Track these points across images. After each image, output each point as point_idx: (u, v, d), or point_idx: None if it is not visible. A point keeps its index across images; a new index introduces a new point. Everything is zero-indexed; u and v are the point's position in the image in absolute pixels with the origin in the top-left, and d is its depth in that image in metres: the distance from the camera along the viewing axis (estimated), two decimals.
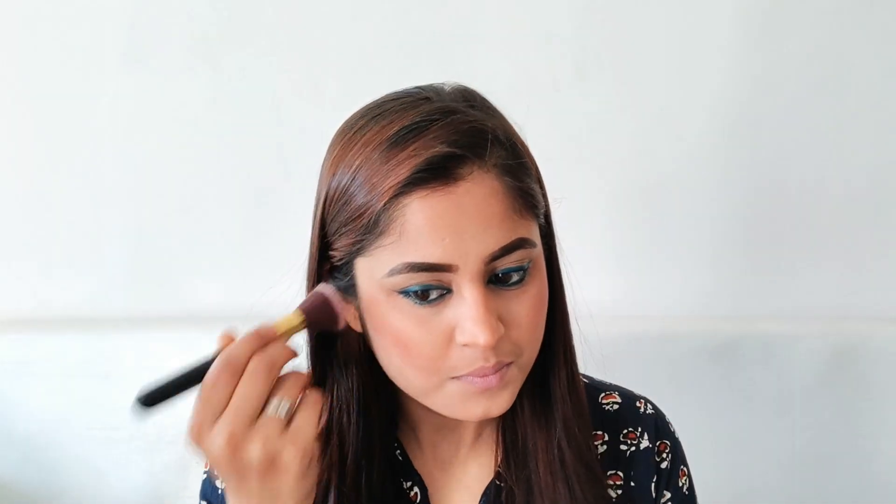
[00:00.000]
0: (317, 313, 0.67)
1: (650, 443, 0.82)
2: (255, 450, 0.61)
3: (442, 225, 0.63)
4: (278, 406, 0.62)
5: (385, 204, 0.63)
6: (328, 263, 0.70)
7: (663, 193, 1.37)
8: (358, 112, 0.70)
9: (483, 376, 0.66)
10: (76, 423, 1.32)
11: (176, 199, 1.40)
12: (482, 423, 0.79)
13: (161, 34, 1.36)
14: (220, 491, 0.79)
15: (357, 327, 0.71)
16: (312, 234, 0.71)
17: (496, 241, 0.64)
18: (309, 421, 0.63)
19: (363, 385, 0.73)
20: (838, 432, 1.32)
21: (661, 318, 1.38)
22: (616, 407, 0.84)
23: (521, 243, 0.65)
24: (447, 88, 0.70)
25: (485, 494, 0.78)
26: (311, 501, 0.65)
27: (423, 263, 0.63)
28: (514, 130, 0.70)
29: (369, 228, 0.65)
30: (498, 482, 0.78)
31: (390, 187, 0.63)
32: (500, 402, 0.68)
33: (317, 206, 0.70)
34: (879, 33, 1.34)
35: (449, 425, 0.78)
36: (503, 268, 0.65)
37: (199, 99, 1.37)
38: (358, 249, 0.66)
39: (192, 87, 1.37)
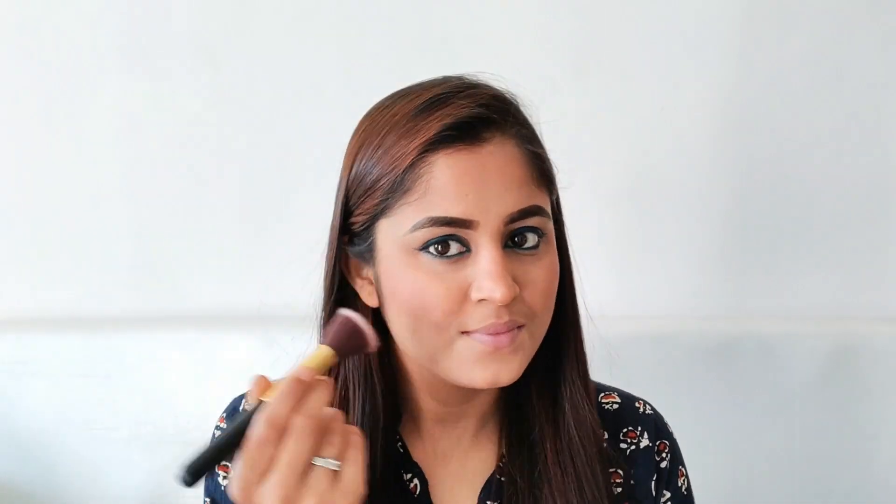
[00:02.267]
0: (347, 343, 0.66)
1: (650, 442, 0.83)
2: None
3: (466, 182, 0.66)
4: (327, 462, 0.60)
5: (413, 161, 0.67)
6: (347, 234, 0.73)
7: (662, 193, 1.37)
8: (382, 99, 0.74)
9: (495, 334, 0.68)
10: (76, 423, 1.32)
11: (176, 199, 1.40)
12: (484, 417, 0.79)
13: (161, 34, 1.36)
14: (223, 487, 0.79)
15: (373, 301, 0.73)
16: (336, 205, 0.74)
17: (516, 203, 0.68)
18: (357, 469, 0.60)
19: (368, 371, 0.74)
20: (837, 432, 1.32)
21: (660, 317, 1.38)
22: (616, 406, 0.84)
23: (538, 210, 0.69)
24: (469, 77, 0.75)
25: (485, 488, 0.78)
26: None
27: (445, 217, 0.66)
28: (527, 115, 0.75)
29: (395, 187, 0.68)
30: (499, 476, 0.78)
31: (419, 145, 0.67)
32: (510, 369, 0.69)
33: (341, 179, 0.74)
34: (879, 33, 1.34)
35: (451, 417, 0.78)
36: (521, 227, 0.68)
37: (199, 99, 1.37)
38: (382, 210, 0.69)
39: (192, 87, 1.37)
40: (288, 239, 1.36)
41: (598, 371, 0.86)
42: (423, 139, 0.67)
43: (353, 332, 0.66)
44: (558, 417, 0.77)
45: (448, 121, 0.67)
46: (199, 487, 0.59)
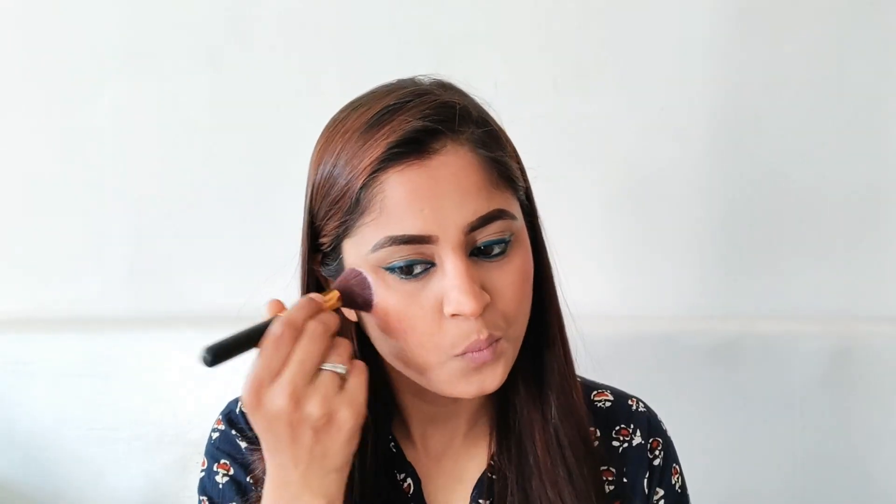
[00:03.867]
0: (352, 291, 0.68)
1: (643, 439, 0.83)
2: (315, 405, 0.62)
3: (420, 197, 0.65)
4: (335, 366, 0.63)
5: (364, 181, 0.66)
6: (319, 253, 0.73)
7: (662, 193, 1.37)
8: (342, 107, 0.74)
9: (479, 350, 0.67)
10: (76, 423, 1.32)
11: (176, 199, 1.40)
12: (475, 415, 0.80)
13: (161, 34, 1.36)
14: (220, 486, 0.79)
15: (352, 316, 0.73)
16: (304, 224, 0.74)
17: (474, 211, 0.66)
18: (361, 384, 0.64)
19: None
20: (838, 432, 1.32)
21: (660, 318, 1.37)
22: (608, 404, 0.84)
23: (499, 214, 0.67)
24: (425, 79, 0.74)
25: (476, 486, 0.79)
26: (348, 471, 0.66)
27: (403, 236, 0.65)
28: (486, 112, 0.72)
29: (352, 208, 0.67)
30: (490, 474, 0.78)
31: (368, 164, 0.66)
32: (494, 377, 0.69)
33: (306, 197, 0.73)
34: (879, 33, 1.34)
35: (440, 417, 0.79)
36: (484, 240, 0.67)
37: (199, 99, 1.37)
38: (344, 231, 0.69)
39: (192, 88, 1.37)
40: (288, 239, 1.36)
41: (597, 371, 0.86)
42: (371, 159, 0.66)
43: (362, 284, 0.68)
44: (545, 408, 0.76)
45: (394, 138, 0.65)
46: (217, 366, 0.62)
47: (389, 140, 0.66)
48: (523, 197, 0.72)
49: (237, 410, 0.81)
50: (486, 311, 0.66)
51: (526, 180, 0.73)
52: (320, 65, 1.35)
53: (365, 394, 0.64)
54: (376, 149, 0.66)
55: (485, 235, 0.67)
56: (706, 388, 1.31)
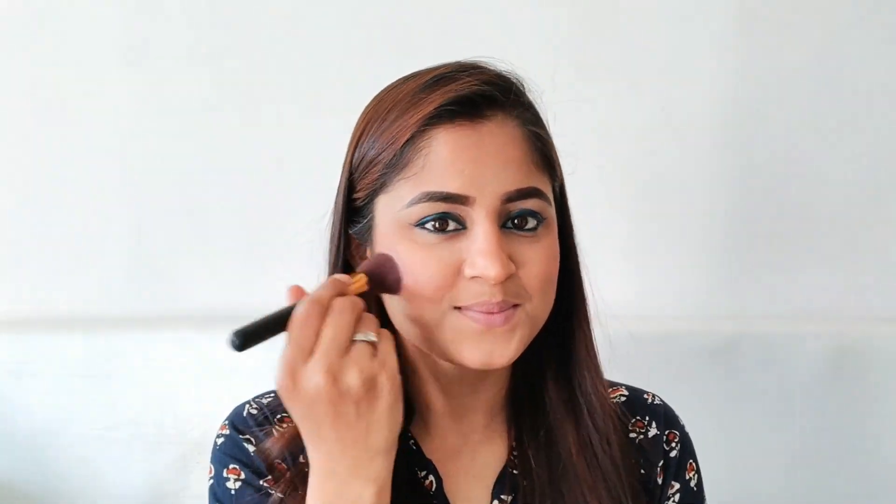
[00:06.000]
0: (382, 271, 0.68)
1: (658, 430, 0.83)
2: (353, 376, 0.61)
3: (464, 158, 0.66)
4: (366, 335, 0.63)
5: (412, 134, 0.67)
6: (348, 215, 0.74)
7: (663, 193, 1.37)
8: (392, 82, 0.75)
9: (488, 313, 0.67)
10: (76, 423, 1.32)
11: (176, 199, 1.40)
12: (493, 410, 0.79)
13: (161, 34, 1.36)
14: (232, 492, 0.77)
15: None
16: (341, 179, 0.74)
17: (513, 182, 0.67)
18: (391, 349, 0.64)
19: None
20: (838, 432, 1.32)
21: (661, 318, 1.37)
22: (623, 399, 0.84)
23: (536, 192, 0.68)
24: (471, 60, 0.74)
25: (498, 482, 0.78)
26: (394, 454, 0.65)
27: (441, 192, 0.66)
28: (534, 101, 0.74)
29: (394, 161, 0.68)
30: (511, 469, 0.78)
31: (419, 119, 0.67)
32: (505, 349, 0.68)
33: (346, 159, 0.74)
34: (879, 33, 1.34)
35: (459, 411, 0.77)
36: (519, 209, 0.68)
37: (199, 99, 1.37)
38: (381, 185, 0.69)
39: (192, 88, 1.37)
40: (288, 239, 1.35)
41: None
42: (424, 113, 0.67)
43: (390, 264, 0.68)
44: (578, 409, 0.76)
45: (450, 96, 0.67)
46: (243, 351, 0.62)
47: (446, 97, 0.67)
48: (557, 190, 0.74)
49: (244, 414, 0.80)
50: (507, 280, 0.66)
51: (561, 175, 0.75)
52: (321, 64, 1.35)
53: (395, 358, 0.64)
54: (430, 105, 0.67)
55: (520, 207, 0.68)
56: (706, 388, 1.31)
